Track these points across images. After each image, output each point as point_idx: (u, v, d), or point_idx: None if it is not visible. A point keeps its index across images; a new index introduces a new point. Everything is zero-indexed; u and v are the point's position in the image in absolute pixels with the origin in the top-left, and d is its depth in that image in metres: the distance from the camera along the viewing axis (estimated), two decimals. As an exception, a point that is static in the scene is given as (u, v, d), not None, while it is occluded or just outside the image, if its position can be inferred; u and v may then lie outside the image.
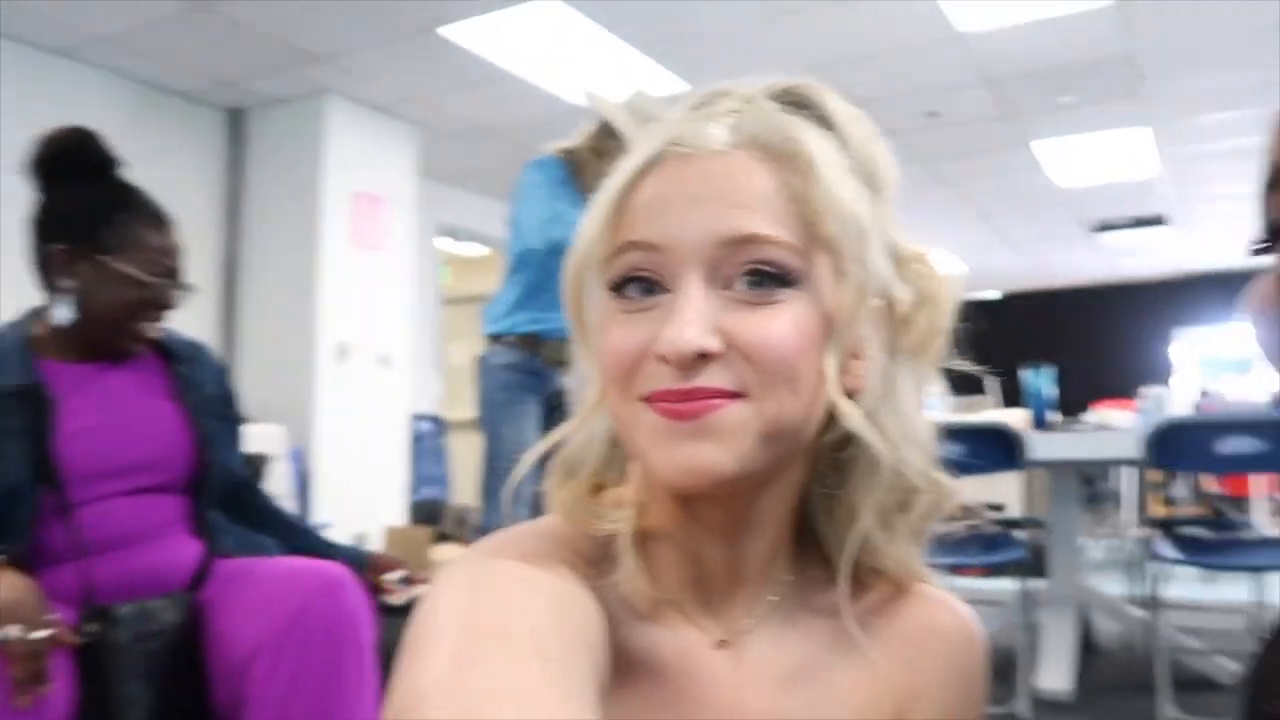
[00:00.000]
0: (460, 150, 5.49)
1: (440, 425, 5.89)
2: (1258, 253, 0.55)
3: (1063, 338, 8.40)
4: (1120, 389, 5.58)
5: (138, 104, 4.47)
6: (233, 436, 1.67)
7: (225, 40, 4.10)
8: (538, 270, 2.87)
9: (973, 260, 8.33)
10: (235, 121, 4.93)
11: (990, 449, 2.82)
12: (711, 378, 0.54)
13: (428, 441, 5.71)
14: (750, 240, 0.55)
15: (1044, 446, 2.99)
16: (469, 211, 6.25)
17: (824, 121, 0.62)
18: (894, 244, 0.62)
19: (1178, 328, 9.05)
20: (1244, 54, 4.26)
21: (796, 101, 0.62)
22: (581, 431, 0.66)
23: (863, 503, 0.62)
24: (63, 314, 1.47)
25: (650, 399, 0.56)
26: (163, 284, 1.51)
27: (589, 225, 0.60)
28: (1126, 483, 5.14)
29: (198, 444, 1.53)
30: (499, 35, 4.09)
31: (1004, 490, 4.79)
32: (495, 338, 2.93)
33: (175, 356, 1.60)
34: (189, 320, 1.67)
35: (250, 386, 3.67)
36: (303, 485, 4.40)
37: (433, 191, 5.72)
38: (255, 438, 2.19)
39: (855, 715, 0.64)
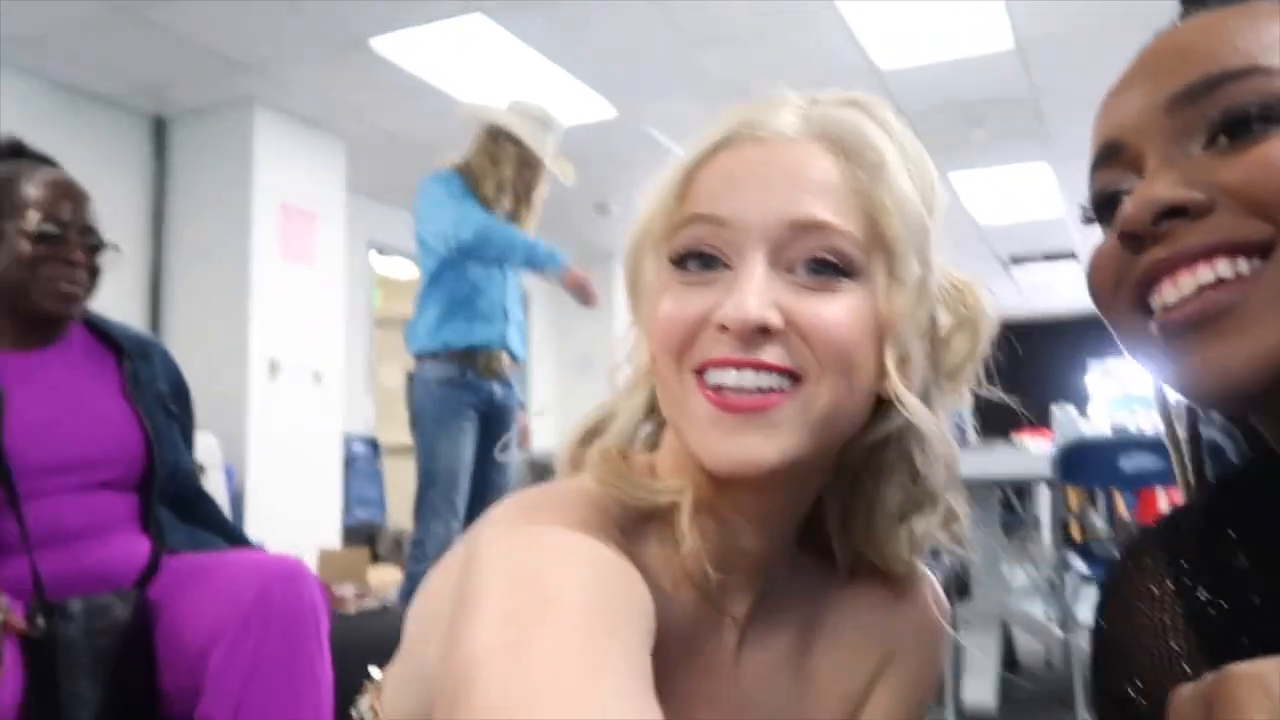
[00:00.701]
0: (388, 165, 5.49)
1: (374, 447, 5.82)
2: (1087, 221, 0.61)
3: (987, 369, 8.61)
4: (1039, 419, 5.76)
5: (58, 108, 4.38)
6: (183, 435, 1.65)
7: (149, 45, 4.06)
8: (456, 280, 2.90)
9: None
10: (160, 130, 4.87)
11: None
12: (770, 354, 0.55)
13: (361, 463, 5.63)
14: (817, 226, 0.56)
15: (963, 464, 3.10)
16: (397, 226, 6.21)
17: (887, 131, 0.62)
18: (941, 269, 0.63)
19: (1092, 359, 9.38)
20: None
21: (865, 111, 0.63)
22: (611, 397, 0.66)
23: (881, 504, 0.64)
24: None
25: (704, 366, 0.56)
26: (55, 231, 1.47)
27: (653, 197, 0.61)
28: (1045, 510, 5.31)
29: (147, 441, 1.51)
30: (427, 50, 4.13)
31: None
32: (428, 355, 2.93)
33: (126, 352, 1.58)
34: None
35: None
36: (235, 504, 4.32)
37: (362, 206, 5.70)
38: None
39: (836, 688, 0.68)
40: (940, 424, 0.63)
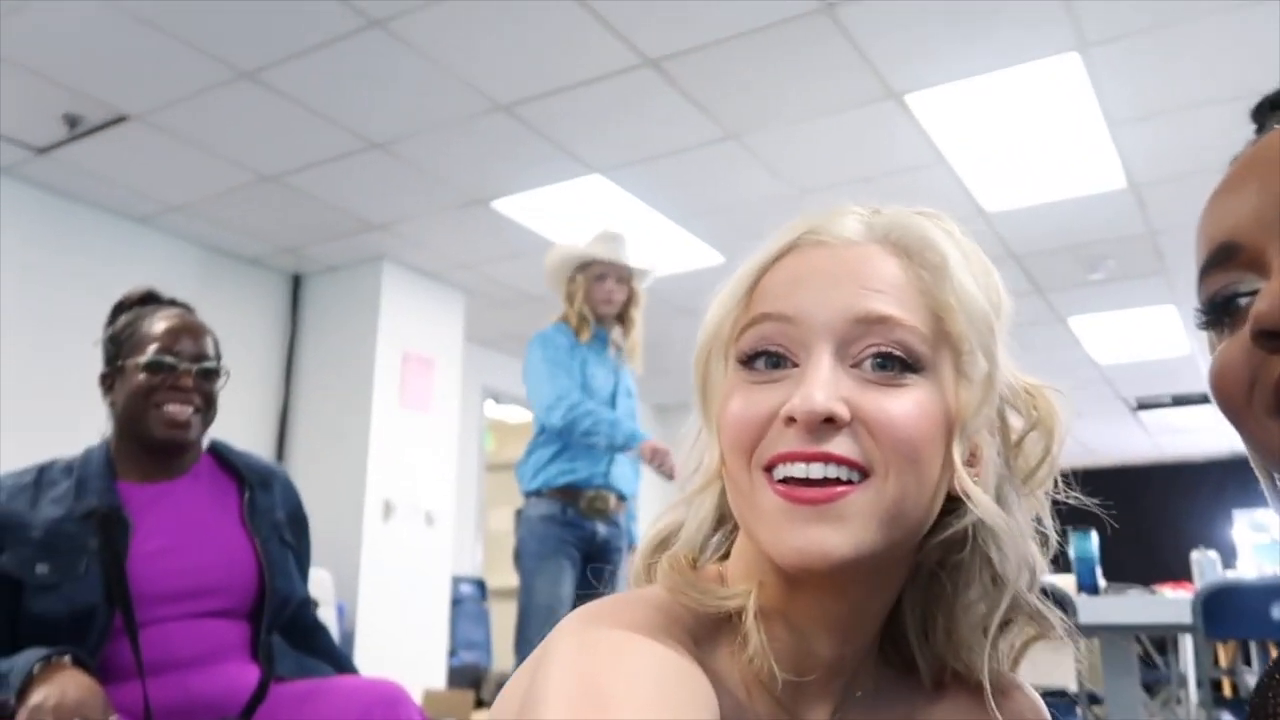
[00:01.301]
0: (505, 315, 5.71)
1: (482, 589, 5.85)
2: (1202, 326, 0.59)
3: (1116, 518, 8.18)
4: (1180, 572, 5.40)
5: (204, 268, 4.75)
6: (299, 563, 1.70)
7: (290, 209, 4.40)
8: (561, 437, 2.99)
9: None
10: (296, 285, 5.21)
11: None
12: (838, 445, 0.55)
13: (469, 605, 5.65)
14: (882, 320, 0.57)
15: (1093, 610, 2.91)
16: (511, 374, 6.41)
17: (952, 239, 0.64)
18: (1010, 373, 0.64)
19: (1238, 510, 8.78)
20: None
21: (924, 216, 0.65)
22: (683, 505, 0.67)
23: (962, 610, 0.63)
24: (108, 430, 1.57)
25: (773, 461, 0.56)
26: (167, 362, 1.56)
27: (721, 302, 0.63)
28: (1192, 665, 4.89)
29: (262, 570, 1.56)
30: (546, 208, 4.34)
31: (1062, 675, 4.60)
32: (532, 493, 2.99)
33: (246, 480, 1.65)
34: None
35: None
36: (346, 641, 4.37)
37: (477, 354, 5.91)
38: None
39: None
40: (1019, 527, 0.62)
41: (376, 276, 4.95)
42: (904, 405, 0.56)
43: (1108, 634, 3.20)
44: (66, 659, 1.32)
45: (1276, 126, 0.57)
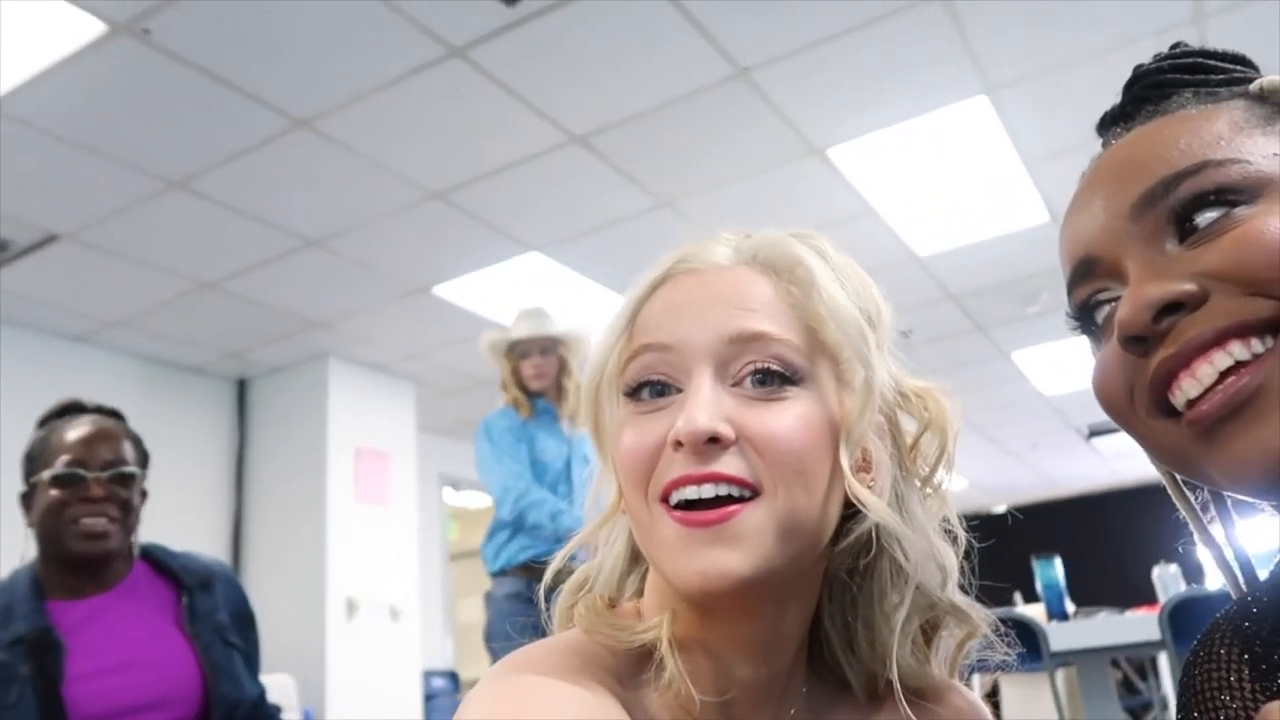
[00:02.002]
0: (456, 402, 5.68)
1: (455, 681, 5.71)
2: (1075, 331, 0.62)
3: (1076, 544, 8.25)
4: (1150, 595, 5.43)
5: (147, 381, 4.68)
6: (248, 663, 1.65)
7: (231, 315, 4.37)
8: (517, 529, 3.00)
9: (974, 473, 8.35)
10: (241, 389, 5.15)
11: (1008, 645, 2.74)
12: (727, 464, 0.56)
13: (442, 699, 5.51)
14: (757, 338, 0.59)
15: (1064, 636, 2.92)
16: (467, 460, 6.35)
17: (821, 255, 0.66)
18: (895, 378, 0.66)
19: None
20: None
21: (792, 237, 0.67)
22: (598, 549, 0.68)
23: (879, 615, 0.63)
24: (30, 551, 1.53)
25: (668, 489, 0.57)
26: (74, 473, 1.52)
27: (603, 341, 0.64)
28: (1171, 688, 4.88)
29: (206, 676, 1.52)
30: (488, 290, 4.36)
31: (1043, 707, 4.57)
32: (497, 574, 2.99)
33: (185, 585, 1.60)
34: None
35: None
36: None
37: (432, 443, 5.86)
38: (268, 687, 2.16)
39: None
40: (922, 526, 0.63)
41: (323, 374, 4.92)
42: (785, 419, 0.57)
43: (1082, 660, 3.21)
44: None
45: (1113, 142, 0.61)
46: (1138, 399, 0.55)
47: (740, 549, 0.55)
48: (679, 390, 0.60)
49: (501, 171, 3.44)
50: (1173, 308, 0.52)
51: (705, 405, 0.57)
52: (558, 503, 2.93)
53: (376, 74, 2.85)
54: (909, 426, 0.67)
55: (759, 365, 0.59)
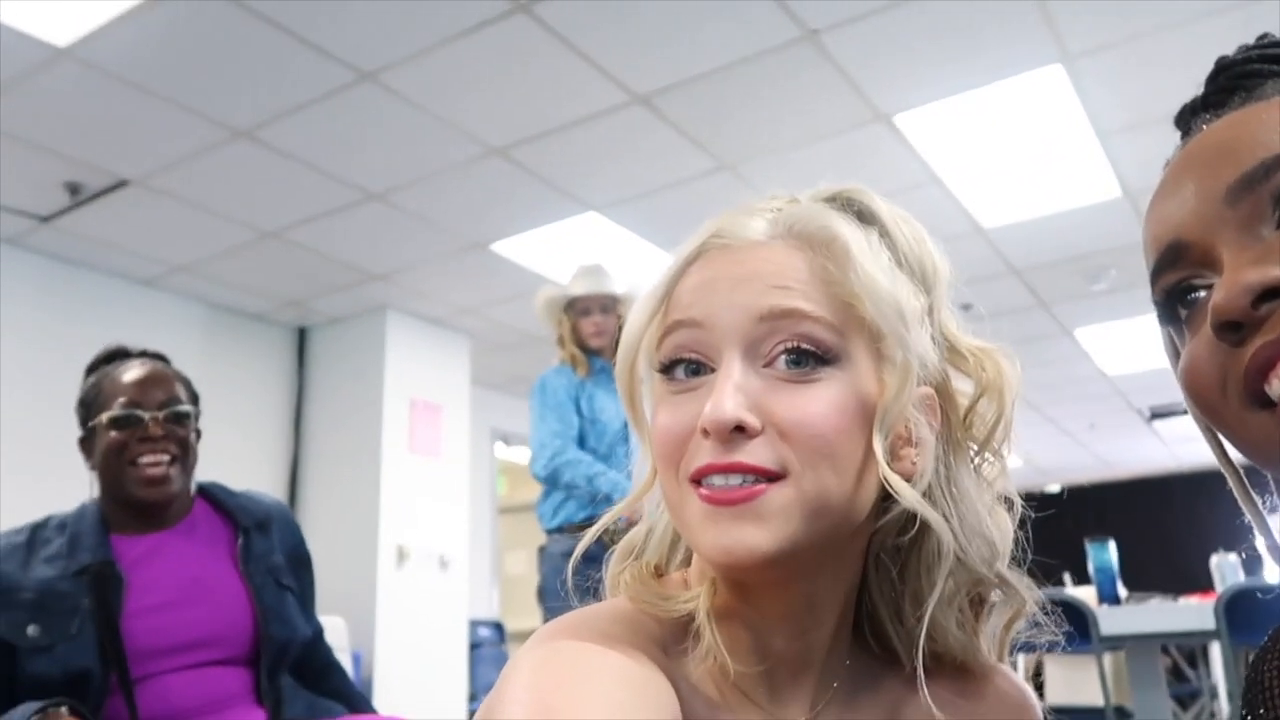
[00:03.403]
0: (510, 358, 5.73)
1: (500, 631, 5.81)
2: (1162, 321, 0.60)
3: (1130, 527, 8.12)
4: (1206, 583, 5.33)
5: (210, 326, 4.79)
6: (301, 603, 1.67)
7: (293, 264, 4.44)
8: (551, 478, 3.01)
9: (1029, 452, 8.22)
10: (301, 338, 5.24)
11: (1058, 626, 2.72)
12: (752, 454, 0.55)
13: (487, 648, 5.62)
14: (788, 315, 0.57)
15: (1114, 621, 2.88)
16: (520, 416, 6.43)
17: (868, 218, 0.65)
18: (952, 337, 0.65)
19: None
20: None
21: (844, 203, 0.66)
22: (646, 516, 0.68)
23: (925, 590, 0.62)
24: (94, 492, 1.57)
25: (696, 475, 0.57)
26: (132, 414, 1.55)
27: (637, 314, 0.63)
28: (1222, 677, 4.80)
29: (258, 617, 1.55)
30: (545, 248, 4.37)
31: (1090, 692, 4.53)
32: (554, 531, 3.01)
33: (241, 525, 1.63)
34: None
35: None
36: (363, 688, 4.33)
37: (485, 398, 5.92)
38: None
39: None
40: (971, 502, 0.62)
41: (381, 326, 4.98)
42: (815, 403, 0.56)
43: (1132, 646, 3.16)
44: (63, 710, 1.32)
45: (1203, 128, 0.58)
46: (1230, 390, 0.52)
47: (765, 527, 0.55)
48: (712, 369, 0.59)
49: (563, 130, 3.42)
50: (1272, 293, 0.50)
51: (731, 393, 0.56)
52: (594, 464, 2.93)
53: (443, 28, 2.84)
54: (966, 387, 0.65)
55: (790, 345, 0.57)
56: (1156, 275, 0.58)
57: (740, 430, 0.55)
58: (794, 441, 0.56)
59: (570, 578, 0.71)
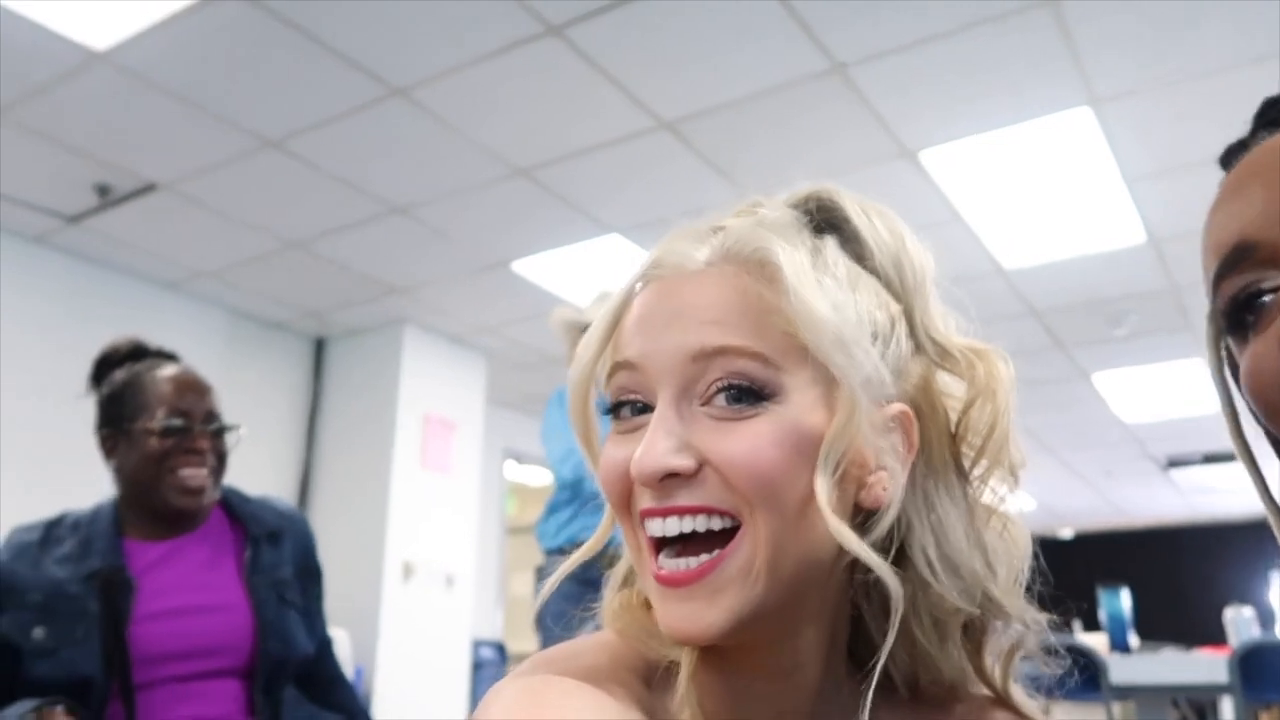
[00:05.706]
0: (526, 377, 5.73)
1: (502, 652, 5.78)
2: (1225, 331, 0.58)
3: (1142, 576, 8.02)
4: (1218, 636, 5.26)
5: (230, 332, 4.82)
6: (307, 617, 1.65)
7: (314, 275, 4.47)
8: (575, 495, 2.99)
9: (1042, 495, 8.15)
10: (318, 349, 5.26)
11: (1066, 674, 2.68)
12: (692, 495, 0.53)
13: (489, 669, 5.58)
14: (719, 353, 0.54)
15: (1125, 670, 2.84)
16: (533, 436, 6.42)
17: (834, 222, 0.62)
18: (941, 338, 0.61)
19: (1276, 571, 8.54)
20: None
21: (812, 207, 0.63)
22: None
23: (914, 619, 0.59)
24: (115, 493, 1.57)
25: (641, 518, 0.56)
26: (181, 425, 1.54)
27: (585, 350, 0.60)
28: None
29: (258, 631, 1.53)
30: (565, 269, 4.38)
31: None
32: (555, 551, 2.97)
33: (253, 535, 1.61)
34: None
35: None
36: (364, 705, 4.32)
37: (499, 416, 5.93)
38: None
39: None
40: (958, 529, 0.58)
41: (398, 340, 5.00)
42: (747, 440, 0.53)
43: (1142, 697, 3.11)
44: (59, 709, 1.32)
45: (1261, 143, 0.57)
46: None
47: (717, 604, 0.53)
48: (654, 408, 0.56)
49: (588, 152, 3.44)
50: None
51: (658, 440, 0.54)
52: None
53: (474, 47, 2.87)
54: (960, 393, 0.61)
55: (724, 384, 0.54)
56: (1219, 280, 0.55)
57: (673, 477, 0.53)
58: (732, 481, 0.53)
59: (542, 603, 0.69)
